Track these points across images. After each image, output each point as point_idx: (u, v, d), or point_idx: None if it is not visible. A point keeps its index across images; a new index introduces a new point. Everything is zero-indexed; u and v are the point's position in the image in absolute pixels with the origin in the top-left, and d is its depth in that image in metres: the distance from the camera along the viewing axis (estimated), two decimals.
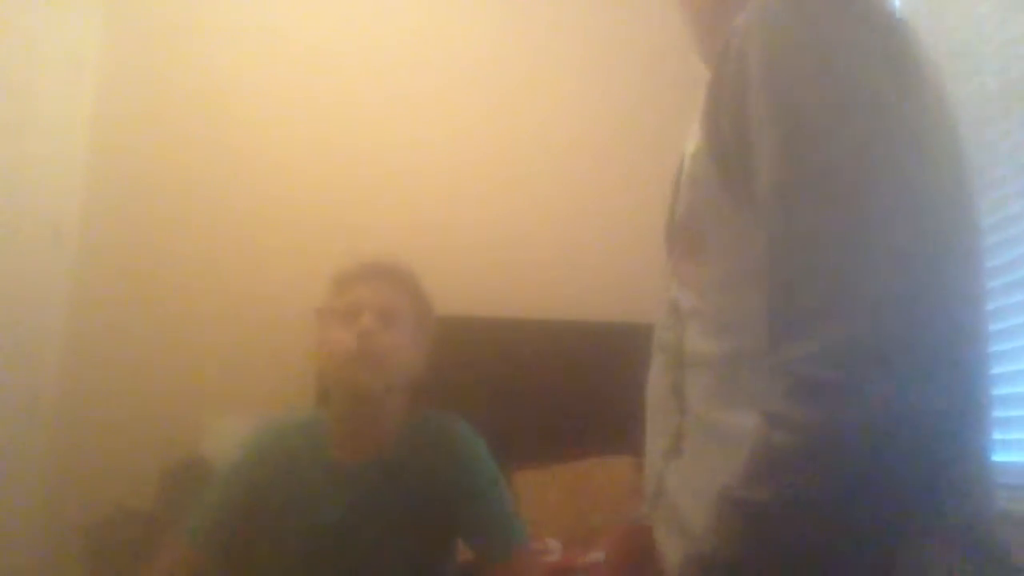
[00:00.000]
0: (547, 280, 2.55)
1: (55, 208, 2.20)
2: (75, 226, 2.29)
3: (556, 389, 2.34)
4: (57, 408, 2.21)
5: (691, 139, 0.82)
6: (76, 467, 2.18)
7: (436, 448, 1.34)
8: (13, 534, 1.98)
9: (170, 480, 2.00)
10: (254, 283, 2.38)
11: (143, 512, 1.97)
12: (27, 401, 2.08)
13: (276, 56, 2.49)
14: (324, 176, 2.47)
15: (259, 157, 2.44)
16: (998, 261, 1.46)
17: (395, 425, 1.35)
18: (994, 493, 0.72)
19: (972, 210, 0.75)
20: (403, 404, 1.36)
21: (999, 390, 1.40)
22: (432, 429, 1.36)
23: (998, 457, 1.32)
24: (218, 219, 2.40)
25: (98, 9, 2.35)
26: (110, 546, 1.94)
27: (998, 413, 1.22)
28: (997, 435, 1.06)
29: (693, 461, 0.78)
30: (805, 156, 0.64)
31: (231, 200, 2.41)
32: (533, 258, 2.57)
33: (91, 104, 2.34)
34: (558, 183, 2.63)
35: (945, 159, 0.70)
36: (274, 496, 1.29)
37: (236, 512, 1.29)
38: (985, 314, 0.73)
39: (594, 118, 2.67)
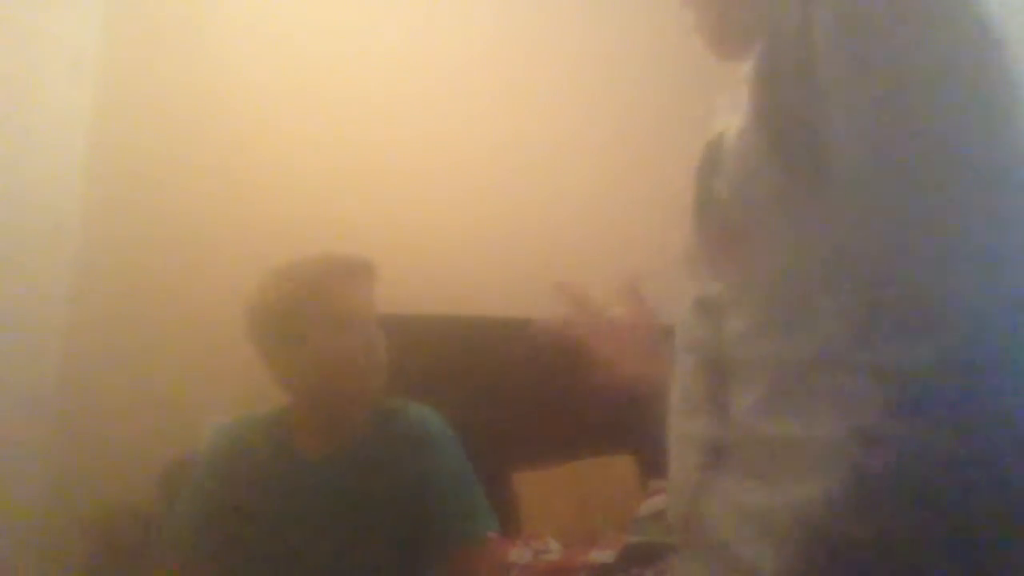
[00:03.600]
0: (547, 280, 2.54)
1: (56, 207, 2.20)
2: (76, 224, 2.28)
3: (556, 389, 2.34)
4: (57, 407, 2.20)
5: (730, 116, 0.73)
6: (76, 465, 2.17)
7: (405, 438, 1.35)
8: (13, 533, 1.98)
9: (170, 479, 2.00)
10: (255, 281, 2.38)
11: (143, 512, 1.97)
12: (28, 399, 2.08)
13: (277, 54, 2.49)
14: (327, 174, 2.47)
15: (260, 155, 2.44)
16: None
17: (363, 416, 1.34)
18: None
19: None
20: None
21: None
22: (400, 419, 1.36)
23: None
24: (219, 216, 2.40)
25: (98, 9, 2.34)
26: (110, 546, 1.94)
27: None
28: None
29: (741, 480, 0.66)
30: (902, 119, 0.56)
31: (232, 198, 2.41)
32: (533, 258, 2.57)
33: (91, 103, 2.33)
34: (559, 182, 2.62)
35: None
36: (243, 494, 1.28)
37: (211, 519, 1.28)
38: None
39: (594, 117, 2.67)
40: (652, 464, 2.32)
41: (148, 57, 2.40)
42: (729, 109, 0.73)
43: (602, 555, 1.87)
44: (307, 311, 1.30)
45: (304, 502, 1.29)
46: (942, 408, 0.51)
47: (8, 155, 1.95)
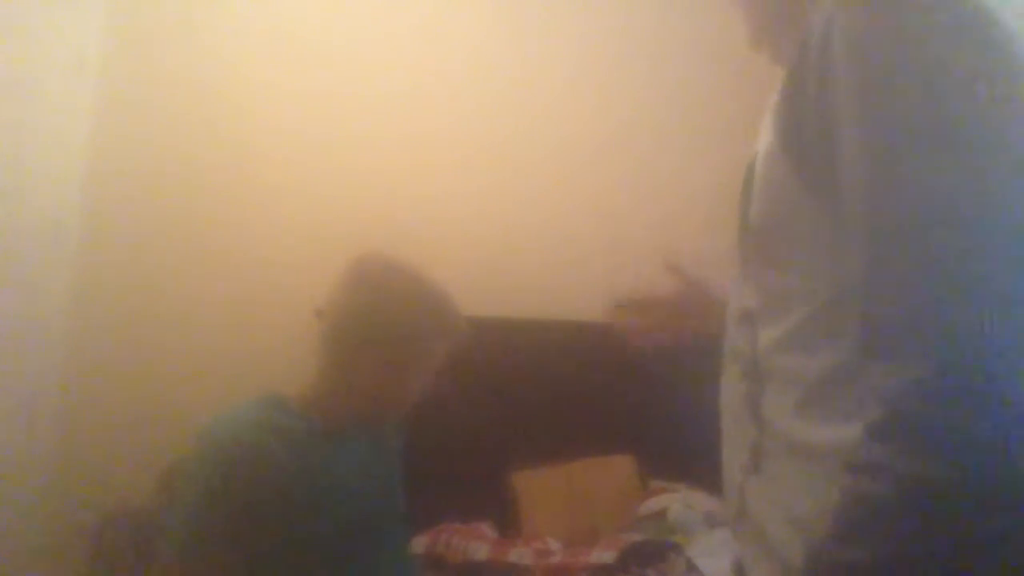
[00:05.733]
0: (547, 280, 2.55)
1: (56, 206, 2.20)
2: (76, 225, 2.28)
3: (556, 389, 2.34)
4: (57, 407, 2.21)
5: (762, 138, 0.75)
6: (76, 466, 2.18)
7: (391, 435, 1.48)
8: (13, 534, 1.98)
9: (170, 480, 2.00)
10: (256, 281, 2.38)
11: (143, 512, 1.97)
12: (27, 400, 2.08)
13: (278, 54, 2.49)
14: (328, 173, 2.47)
15: (261, 155, 2.44)
16: None
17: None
18: None
19: None
20: None
21: None
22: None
23: None
24: (220, 216, 2.40)
25: (99, 8, 2.35)
26: (110, 546, 1.94)
27: None
28: None
29: (777, 481, 0.72)
30: (894, 153, 0.57)
31: (233, 197, 2.41)
32: (533, 258, 2.57)
33: (92, 103, 2.34)
34: (559, 182, 2.62)
35: None
36: (274, 480, 1.27)
37: (233, 522, 1.26)
38: None
39: (595, 117, 2.67)
40: (652, 464, 2.32)
41: (150, 57, 2.40)
42: (766, 129, 0.76)
43: (602, 555, 1.87)
44: (406, 348, 1.36)
45: (339, 466, 1.33)
46: (925, 432, 0.52)
47: (9, 155, 1.95)
